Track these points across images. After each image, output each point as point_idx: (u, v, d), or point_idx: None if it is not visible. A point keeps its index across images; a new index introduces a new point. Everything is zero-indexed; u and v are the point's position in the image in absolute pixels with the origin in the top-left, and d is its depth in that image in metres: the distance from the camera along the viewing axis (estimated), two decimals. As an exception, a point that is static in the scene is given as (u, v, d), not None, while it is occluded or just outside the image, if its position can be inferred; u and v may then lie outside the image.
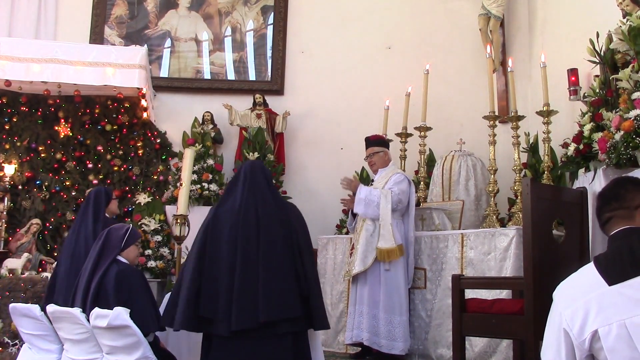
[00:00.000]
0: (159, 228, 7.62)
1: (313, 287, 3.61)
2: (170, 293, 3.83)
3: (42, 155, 8.02)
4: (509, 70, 6.75)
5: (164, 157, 8.36)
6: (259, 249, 3.52)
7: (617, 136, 4.35)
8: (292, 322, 3.48)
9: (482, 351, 5.43)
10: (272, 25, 8.96)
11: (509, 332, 4.44)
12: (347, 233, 7.09)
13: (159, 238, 7.55)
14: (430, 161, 7.57)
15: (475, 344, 5.45)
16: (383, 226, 5.91)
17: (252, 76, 8.91)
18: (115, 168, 8.16)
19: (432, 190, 7.11)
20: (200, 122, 8.31)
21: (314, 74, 8.73)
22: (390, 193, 5.99)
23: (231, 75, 8.91)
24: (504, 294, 5.18)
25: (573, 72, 5.87)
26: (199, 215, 7.57)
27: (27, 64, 6.99)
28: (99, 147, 8.13)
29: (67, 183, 7.98)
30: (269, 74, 8.87)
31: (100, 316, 3.51)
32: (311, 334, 3.95)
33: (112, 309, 3.55)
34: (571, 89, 5.87)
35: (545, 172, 6.11)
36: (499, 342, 5.32)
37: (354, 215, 6.31)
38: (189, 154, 6.07)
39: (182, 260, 5.72)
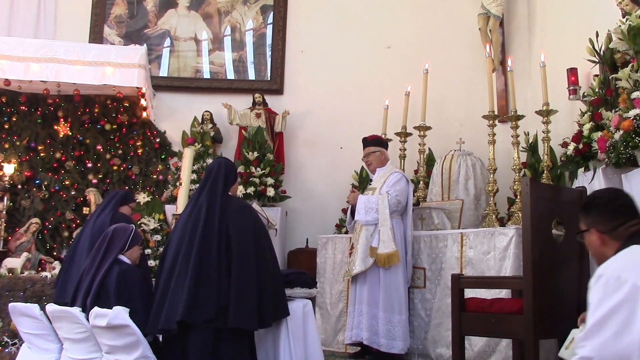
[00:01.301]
0: (159, 227, 7.61)
1: (236, 290, 3.77)
2: None
3: (42, 154, 8.00)
4: (508, 69, 6.75)
5: (163, 157, 8.36)
6: (188, 265, 3.82)
7: (617, 135, 4.36)
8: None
9: (482, 350, 5.43)
10: (271, 25, 8.96)
11: (508, 331, 4.44)
12: (346, 232, 7.09)
13: (158, 237, 7.54)
14: (430, 161, 7.57)
15: (474, 343, 5.45)
16: (383, 231, 5.91)
17: (251, 75, 8.91)
18: (115, 167, 8.15)
19: (432, 189, 7.11)
20: (200, 122, 8.31)
21: (313, 73, 8.73)
22: (387, 197, 5.99)
23: (231, 75, 8.91)
24: (503, 293, 5.18)
25: (572, 71, 5.87)
26: (198, 215, 7.60)
27: (27, 63, 6.98)
28: (99, 147, 8.12)
29: (67, 182, 7.97)
30: (269, 74, 8.87)
31: (100, 315, 3.51)
32: (306, 333, 4.21)
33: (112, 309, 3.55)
34: (571, 88, 5.88)
35: (545, 172, 6.11)
36: (499, 342, 5.32)
37: (353, 216, 6.32)
38: (188, 154, 6.08)
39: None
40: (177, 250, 3.93)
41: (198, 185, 4.31)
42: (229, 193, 4.24)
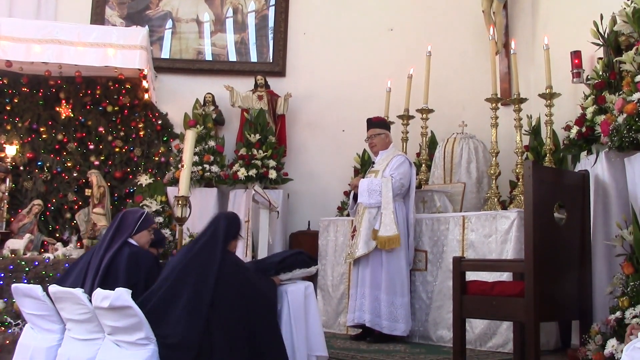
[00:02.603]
0: (161, 209, 7.61)
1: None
2: None
3: (44, 136, 8.01)
4: (511, 52, 6.70)
5: (165, 139, 8.34)
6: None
7: (620, 119, 4.35)
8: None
9: (482, 333, 5.46)
10: (273, 7, 8.90)
11: (509, 314, 4.46)
12: (348, 215, 7.10)
13: (160, 219, 7.55)
14: (432, 143, 7.55)
15: (475, 325, 5.48)
16: (385, 214, 5.91)
17: (253, 58, 8.87)
18: (117, 149, 8.14)
19: (434, 172, 7.11)
20: (202, 104, 8.29)
21: (315, 55, 8.70)
22: (391, 179, 5.99)
23: (232, 57, 8.88)
24: (504, 276, 5.19)
25: (576, 54, 5.85)
26: (200, 197, 7.66)
27: (28, 45, 6.94)
28: (100, 128, 8.11)
29: (69, 164, 7.97)
30: (271, 56, 8.83)
31: (102, 297, 3.52)
32: (307, 314, 4.22)
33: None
34: (574, 71, 5.85)
35: (547, 155, 6.10)
36: (499, 324, 5.34)
37: (355, 200, 6.32)
38: (190, 136, 6.07)
39: (184, 242, 5.75)
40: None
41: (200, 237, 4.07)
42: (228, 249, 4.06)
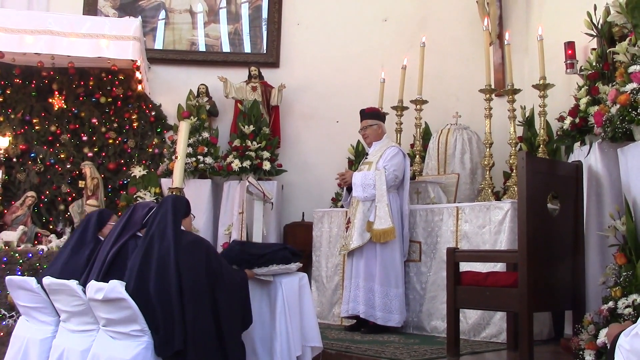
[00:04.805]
0: (155, 201, 7.61)
1: (192, 335, 3.48)
2: None
3: (37, 127, 7.96)
4: (505, 43, 6.70)
5: (159, 130, 8.32)
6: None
7: (613, 110, 4.36)
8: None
9: (476, 323, 5.48)
10: (267, -3, 8.88)
11: (502, 304, 4.48)
12: (342, 206, 7.10)
13: (154, 211, 7.53)
14: (426, 134, 7.56)
15: (469, 316, 5.50)
16: (379, 207, 5.91)
17: (247, 48, 8.85)
18: (110, 141, 8.11)
19: (428, 163, 7.11)
20: (195, 95, 8.26)
21: (309, 46, 8.67)
22: (384, 172, 5.99)
23: (226, 48, 8.85)
24: (498, 266, 5.21)
25: (570, 45, 5.85)
26: (194, 188, 7.65)
27: (20, 36, 6.90)
28: (94, 120, 8.07)
29: (62, 156, 7.94)
30: (265, 47, 8.80)
31: (96, 289, 3.52)
32: (301, 305, 4.23)
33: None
34: (568, 62, 5.85)
35: (541, 146, 6.11)
36: (493, 315, 5.36)
37: (349, 191, 6.32)
38: (184, 127, 6.07)
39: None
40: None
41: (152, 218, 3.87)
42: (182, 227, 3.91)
